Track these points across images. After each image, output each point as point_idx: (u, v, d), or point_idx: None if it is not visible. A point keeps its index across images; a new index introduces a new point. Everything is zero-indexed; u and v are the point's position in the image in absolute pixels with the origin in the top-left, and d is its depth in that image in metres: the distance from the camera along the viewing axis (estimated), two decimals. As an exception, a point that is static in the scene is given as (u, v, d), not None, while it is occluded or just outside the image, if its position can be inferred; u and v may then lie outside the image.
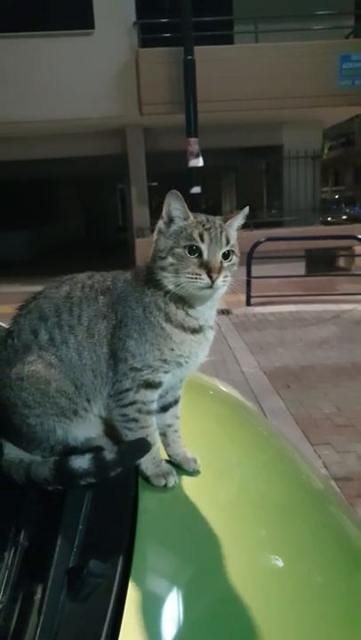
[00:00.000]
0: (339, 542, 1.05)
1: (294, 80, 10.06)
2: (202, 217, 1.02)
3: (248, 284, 8.10)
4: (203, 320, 1.04)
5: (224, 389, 1.83)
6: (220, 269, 0.97)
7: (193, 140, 8.87)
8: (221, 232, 1.00)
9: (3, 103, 9.84)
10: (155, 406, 1.07)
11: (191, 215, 1.01)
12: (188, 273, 0.97)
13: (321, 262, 10.50)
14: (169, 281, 0.99)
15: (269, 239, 8.36)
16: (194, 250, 0.98)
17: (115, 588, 0.73)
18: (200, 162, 8.86)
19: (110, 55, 10.22)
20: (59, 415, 1.01)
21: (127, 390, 1.02)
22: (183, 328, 1.02)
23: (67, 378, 1.01)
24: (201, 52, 9.05)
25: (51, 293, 1.07)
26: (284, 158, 12.11)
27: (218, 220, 1.03)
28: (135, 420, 1.03)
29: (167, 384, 1.07)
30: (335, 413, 4.31)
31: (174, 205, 1.00)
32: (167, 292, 1.00)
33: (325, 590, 0.89)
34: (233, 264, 1.02)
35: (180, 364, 1.04)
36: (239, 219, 1.05)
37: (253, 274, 8.01)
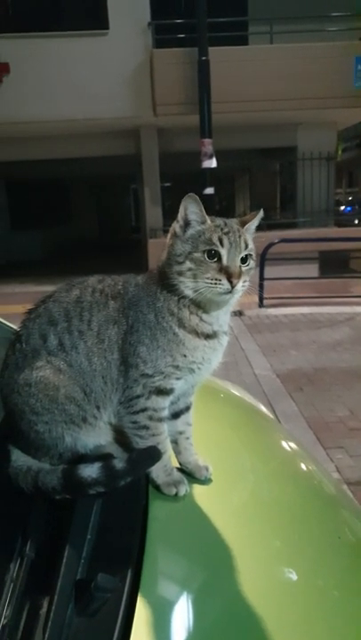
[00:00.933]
0: (354, 553, 1.02)
1: (309, 81, 9.98)
2: (219, 220, 1.00)
3: (261, 285, 8.08)
4: (217, 325, 1.02)
5: (236, 393, 1.79)
6: (239, 274, 0.95)
7: (207, 140, 8.83)
8: (240, 236, 0.97)
9: (17, 103, 9.88)
10: (166, 413, 1.04)
11: (208, 219, 0.98)
12: (208, 278, 0.94)
13: (335, 264, 10.39)
14: (186, 286, 0.96)
15: (283, 240, 8.29)
16: (213, 254, 0.95)
17: (123, 603, 0.70)
18: (214, 163, 8.82)
19: (125, 56, 10.23)
20: (67, 422, 0.98)
21: (138, 397, 1.00)
22: (197, 334, 0.99)
23: (76, 384, 0.99)
24: (216, 53, 9.01)
25: (60, 297, 1.05)
26: (299, 160, 12.02)
27: (235, 223, 1.00)
28: (146, 428, 1.01)
29: (179, 390, 1.05)
30: (348, 417, 4.25)
31: (191, 209, 0.97)
32: (183, 297, 0.97)
33: (341, 605, 0.86)
34: (250, 268, 1.00)
35: (192, 371, 1.01)
36: (255, 221, 1.03)
37: (266, 275, 7.96)
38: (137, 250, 14.31)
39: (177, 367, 0.99)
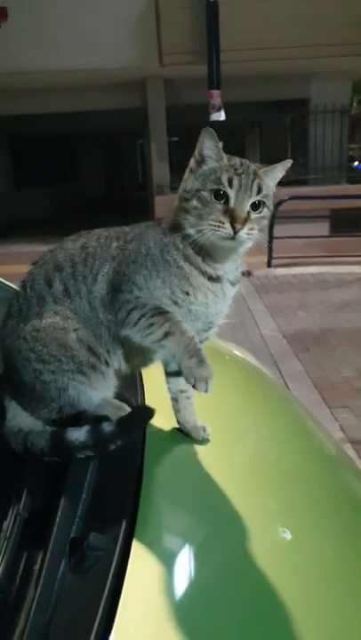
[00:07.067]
0: (351, 513, 1.02)
1: (325, 27, 9.47)
2: (236, 160, 0.93)
3: (270, 245, 7.94)
4: (222, 271, 0.97)
5: (240, 355, 1.78)
6: (245, 220, 0.89)
7: (215, 92, 8.50)
8: (254, 179, 0.90)
9: (16, 52, 9.46)
10: (163, 307, 0.95)
11: (225, 157, 0.92)
12: (212, 220, 0.89)
13: (346, 222, 10.18)
14: (190, 224, 0.92)
15: (293, 198, 8.09)
16: (220, 195, 0.89)
17: (115, 561, 0.70)
18: (222, 115, 8.52)
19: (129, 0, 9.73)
20: (74, 372, 0.95)
21: (130, 311, 0.94)
22: (201, 272, 0.95)
23: (87, 327, 0.97)
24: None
25: (67, 245, 1.03)
26: (311, 112, 11.58)
27: (253, 166, 0.93)
28: (150, 325, 0.92)
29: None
30: (354, 377, 4.26)
31: (207, 144, 0.91)
32: (186, 236, 0.92)
33: (335, 563, 0.86)
34: (263, 217, 0.93)
35: (190, 312, 0.96)
36: (279, 169, 0.95)
37: (276, 234, 7.81)
38: (144, 207, 14.09)
39: (176, 303, 0.95)
